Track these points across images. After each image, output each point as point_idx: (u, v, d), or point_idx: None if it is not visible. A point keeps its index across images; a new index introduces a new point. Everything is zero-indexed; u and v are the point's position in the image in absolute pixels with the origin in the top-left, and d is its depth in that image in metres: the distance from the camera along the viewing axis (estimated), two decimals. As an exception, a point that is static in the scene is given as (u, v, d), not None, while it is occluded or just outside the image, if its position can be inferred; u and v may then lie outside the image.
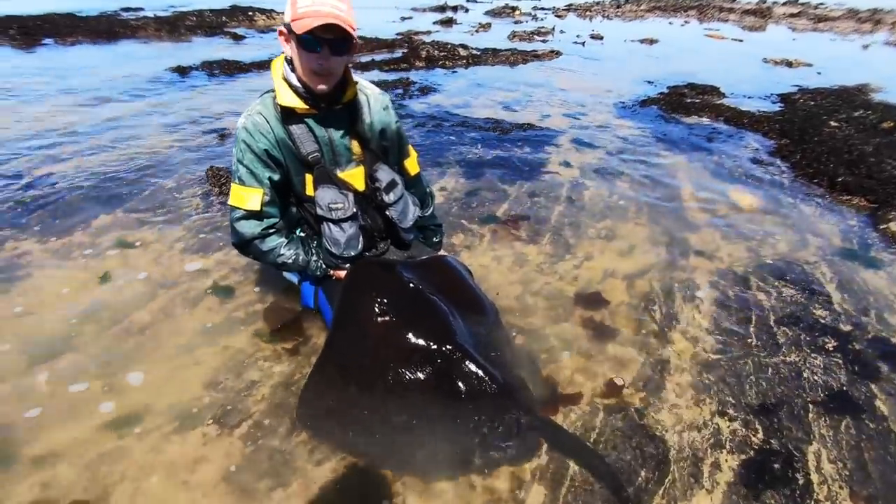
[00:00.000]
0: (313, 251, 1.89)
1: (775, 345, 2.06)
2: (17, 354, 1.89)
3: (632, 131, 4.58)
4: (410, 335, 1.73)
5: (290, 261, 1.85)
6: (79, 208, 2.88)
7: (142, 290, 2.26)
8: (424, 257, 2.08)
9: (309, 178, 1.79)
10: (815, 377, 1.91)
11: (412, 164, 2.05)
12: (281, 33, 1.62)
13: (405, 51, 7.58)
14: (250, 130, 1.67)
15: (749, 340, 2.09)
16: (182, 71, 6.05)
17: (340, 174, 1.81)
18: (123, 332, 2.03)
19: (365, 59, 7.19)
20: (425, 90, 5.61)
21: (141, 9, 11.69)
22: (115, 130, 4.13)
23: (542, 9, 15.24)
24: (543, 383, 1.86)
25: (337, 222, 1.79)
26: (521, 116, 4.83)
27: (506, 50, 7.95)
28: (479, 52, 7.78)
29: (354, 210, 1.81)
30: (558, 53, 8.27)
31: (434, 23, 11.65)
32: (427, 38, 8.93)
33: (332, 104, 1.71)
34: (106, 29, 8.24)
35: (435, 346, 1.71)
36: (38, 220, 2.74)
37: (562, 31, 11.06)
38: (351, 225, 1.82)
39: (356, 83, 1.77)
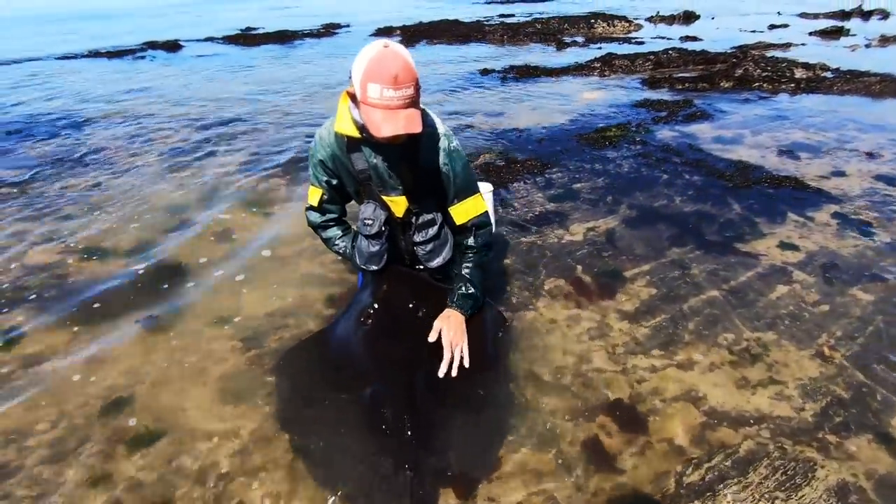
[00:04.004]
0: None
1: None
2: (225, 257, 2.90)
3: None
4: (375, 347, 1.84)
5: (341, 251, 2.15)
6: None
7: (305, 231, 2.96)
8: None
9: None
10: None
11: (459, 213, 1.93)
12: (349, 94, 1.67)
13: (723, 66, 6.50)
14: (316, 141, 1.94)
15: None
16: (485, 72, 6.97)
17: (385, 197, 1.93)
18: (280, 257, 2.79)
19: (664, 72, 6.56)
20: (694, 117, 4.79)
21: (512, 15, 13.65)
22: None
23: None
24: (478, 460, 1.64)
25: (367, 237, 1.97)
26: (795, 168, 3.62)
27: (876, 75, 5.79)
28: (829, 76, 5.95)
29: (382, 230, 1.94)
30: (983, 86, 5.49)
31: (811, 33, 9.35)
32: (776, 53, 7.34)
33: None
34: (465, 33, 10.11)
35: (385, 367, 1.77)
36: (295, 170, 3.91)
37: None
38: (376, 244, 1.96)
39: None
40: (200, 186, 3.66)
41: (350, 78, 1.63)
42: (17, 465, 1.68)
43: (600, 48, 8.55)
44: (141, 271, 2.69)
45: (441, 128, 1.88)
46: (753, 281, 2.44)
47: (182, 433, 1.78)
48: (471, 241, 1.97)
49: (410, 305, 1.93)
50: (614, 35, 10.02)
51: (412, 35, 10.25)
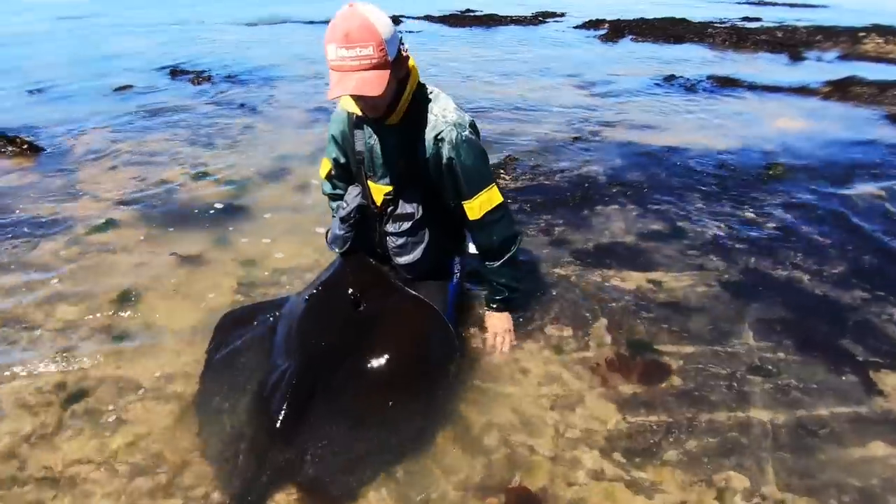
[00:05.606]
0: None
1: None
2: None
3: None
4: (299, 329, 1.81)
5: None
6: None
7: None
8: (414, 293, 1.87)
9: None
10: None
11: (473, 208, 1.79)
12: None
13: None
14: (333, 116, 1.94)
15: None
16: (670, 78, 6.03)
17: (371, 183, 1.86)
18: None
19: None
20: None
21: (758, 19, 11.50)
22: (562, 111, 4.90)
23: None
24: (334, 477, 1.49)
25: (339, 218, 1.93)
26: None
27: None
28: None
29: (350, 215, 1.88)
30: None
31: None
32: None
33: (381, 120, 1.70)
34: (681, 33, 8.86)
35: (291, 351, 1.73)
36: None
37: None
38: (343, 227, 1.91)
39: (415, 104, 1.68)
40: (314, 145, 4.01)
41: None
42: (33, 320, 2.13)
43: (859, 67, 6.65)
44: (222, 206, 3.08)
45: (451, 116, 1.70)
46: (838, 423, 1.65)
47: (149, 342, 2.02)
48: (487, 239, 1.85)
49: (353, 297, 1.82)
50: (889, 55, 7.66)
51: (619, 30, 9.43)
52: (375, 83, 1.46)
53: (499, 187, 1.84)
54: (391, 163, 1.77)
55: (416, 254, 1.86)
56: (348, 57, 1.43)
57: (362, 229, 1.95)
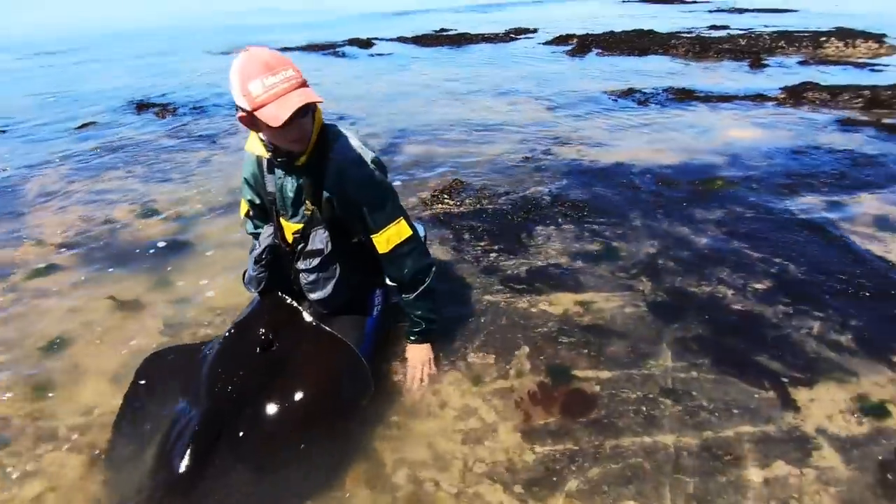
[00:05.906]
0: None
1: None
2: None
3: None
4: (209, 372, 1.80)
5: None
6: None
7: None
8: (328, 330, 1.87)
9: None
10: None
11: (381, 242, 1.83)
12: (241, 118, 1.54)
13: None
14: (244, 157, 1.95)
15: None
16: (628, 92, 6.12)
17: (283, 221, 1.89)
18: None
19: (877, 114, 4.84)
20: (863, 185, 3.42)
21: (726, 27, 11.72)
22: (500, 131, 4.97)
23: None
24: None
25: (253, 259, 1.94)
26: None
27: None
28: None
29: (262, 256, 1.90)
30: None
31: None
32: None
33: (289, 160, 1.72)
34: (646, 46, 9.02)
35: (200, 396, 1.73)
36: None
37: None
38: (255, 268, 1.92)
39: (320, 141, 1.72)
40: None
41: (237, 107, 1.53)
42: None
43: (818, 72, 6.79)
44: (165, 244, 3.08)
45: (353, 154, 1.75)
46: (743, 443, 1.65)
47: (70, 391, 2.02)
48: (399, 272, 1.88)
49: (264, 337, 1.82)
50: (849, 59, 7.81)
51: (586, 45, 9.59)
52: (313, 94, 1.50)
53: (408, 220, 1.86)
54: (299, 201, 1.80)
55: (328, 289, 1.87)
56: (278, 81, 1.45)
57: (277, 268, 1.96)
